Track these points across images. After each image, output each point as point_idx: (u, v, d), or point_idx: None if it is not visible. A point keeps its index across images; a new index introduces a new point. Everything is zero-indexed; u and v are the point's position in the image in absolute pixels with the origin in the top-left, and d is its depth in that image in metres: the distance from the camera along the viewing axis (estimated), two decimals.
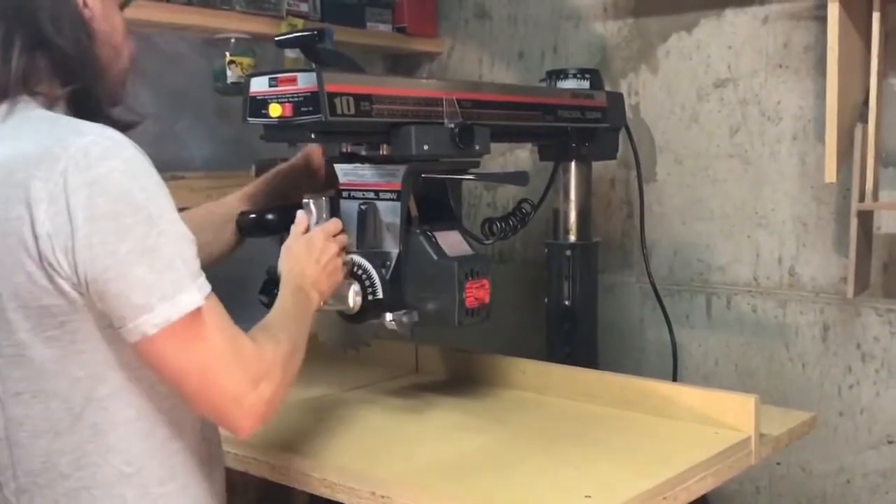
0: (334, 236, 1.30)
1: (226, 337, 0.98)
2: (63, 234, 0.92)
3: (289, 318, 1.14)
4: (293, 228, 1.31)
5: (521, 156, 2.34)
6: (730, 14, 2.00)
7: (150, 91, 2.03)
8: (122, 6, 1.14)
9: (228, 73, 2.00)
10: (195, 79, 2.08)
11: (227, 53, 2.00)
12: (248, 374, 0.98)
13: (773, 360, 1.99)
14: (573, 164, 1.81)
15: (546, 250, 1.86)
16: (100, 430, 0.99)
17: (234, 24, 1.98)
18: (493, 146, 2.38)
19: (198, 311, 0.95)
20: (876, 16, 1.65)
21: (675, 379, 1.93)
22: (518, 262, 2.39)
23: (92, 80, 1.05)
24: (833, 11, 1.64)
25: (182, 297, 0.94)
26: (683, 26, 2.07)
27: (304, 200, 1.41)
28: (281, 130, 1.32)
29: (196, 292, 0.95)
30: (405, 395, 1.61)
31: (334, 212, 1.38)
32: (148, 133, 2.00)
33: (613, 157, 1.86)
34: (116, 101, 1.11)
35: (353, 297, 1.33)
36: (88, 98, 1.04)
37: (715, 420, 1.38)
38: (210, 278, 1.00)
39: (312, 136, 1.30)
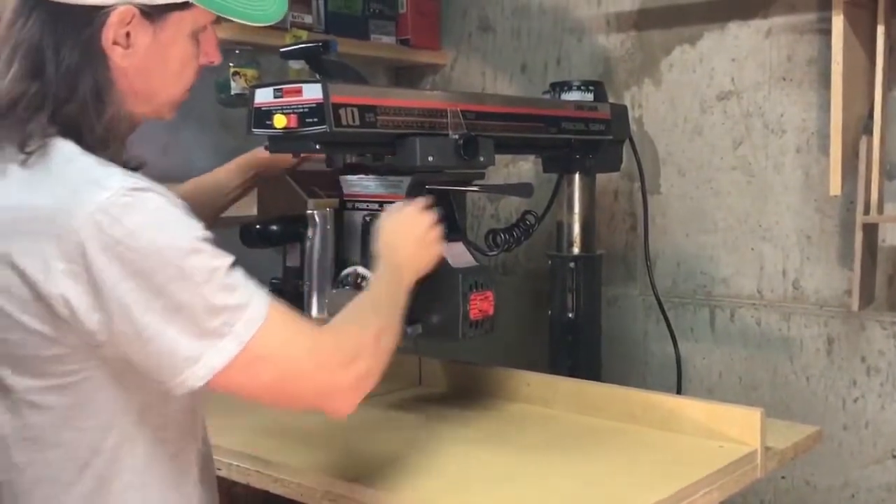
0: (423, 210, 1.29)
1: (296, 345, 0.96)
2: (86, 294, 0.88)
3: (381, 298, 1.13)
4: (389, 209, 1.28)
5: (525, 167, 2.34)
6: (733, 27, 2.00)
7: None
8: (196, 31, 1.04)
9: (232, 84, 2.00)
10: (199, 90, 2.05)
11: (231, 65, 2.00)
12: (330, 366, 0.98)
13: (777, 374, 1.99)
14: (577, 176, 1.81)
15: (549, 262, 1.86)
16: (105, 481, 0.96)
17: (238, 36, 1.97)
18: (497, 158, 2.40)
19: (252, 342, 0.92)
20: (880, 29, 1.65)
21: (679, 392, 1.92)
22: (521, 274, 2.38)
23: (88, 125, 0.96)
24: (837, 24, 1.65)
25: (226, 341, 0.90)
26: (686, 39, 2.07)
27: (309, 211, 1.41)
28: (286, 141, 1.32)
29: (243, 328, 0.91)
30: (407, 407, 1.60)
31: (338, 222, 1.38)
32: (152, 142, 2.04)
33: (617, 169, 1.86)
34: (160, 119, 1.07)
35: None
36: (79, 136, 0.96)
37: (720, 434, 1.37)
38: None
39: (317, 146, 1.29)
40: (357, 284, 1.37)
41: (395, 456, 1.35)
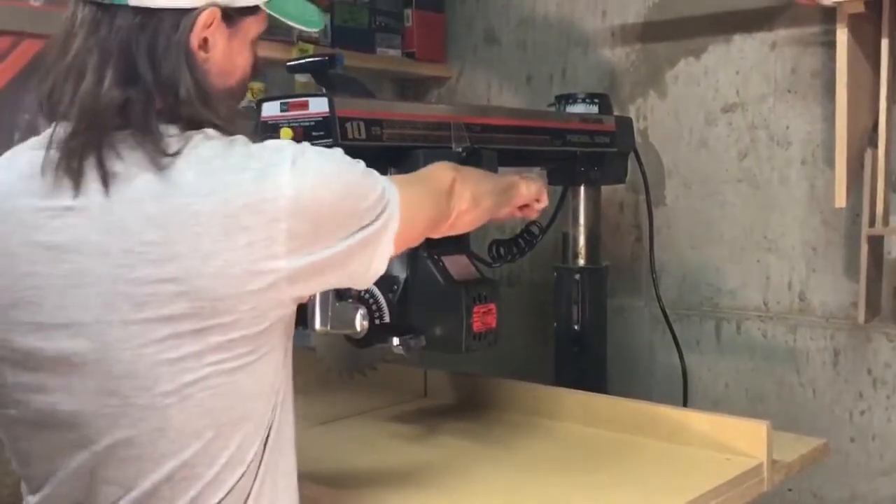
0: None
1: (427, 205, 1.11)
2: (299, 250, 0.91)
3: (502, 188, 1.31)
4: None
5: None
6: (738, 40, 2.01)
7: None
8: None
9: None
10: None
11: None
12: (449, 206, 1.15)
13: (783, 386, 1.98)
14: (582, 188, 1.82)
15: (555, 274, 1.86)
16: (245, 442, 0.96)
17: None
18: (504, 170, 2.40)
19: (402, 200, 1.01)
20: (884, 42, 1.66)
21: (685, 404, 1.92)
22: (526, 286, 2.38)
23: (205, 111, 0.95)
24: (842, 37, 1.65)
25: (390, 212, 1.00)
26: (692, 51, 2.07)
27: None
28: None
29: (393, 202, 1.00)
30: (413, 420, 1.60)
31: None
32: None
33: (622, 181, 1.87)
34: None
35: (360, 321, 1.32)
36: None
37: (727, 446, 1.37)
38: None
39: None
40: (360, 297, 1.37)
41: (396, 468, 1.36)
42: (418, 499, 1.23)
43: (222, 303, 0.89)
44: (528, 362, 2.11)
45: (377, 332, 1.36)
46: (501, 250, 1.68)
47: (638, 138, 2.13)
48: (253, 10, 1.01)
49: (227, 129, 0.95)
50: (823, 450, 1.48)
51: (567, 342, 1.83)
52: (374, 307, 1.36)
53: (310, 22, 1.12)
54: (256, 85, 2.03)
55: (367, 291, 1.37)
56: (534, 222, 1.62)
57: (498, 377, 1.69)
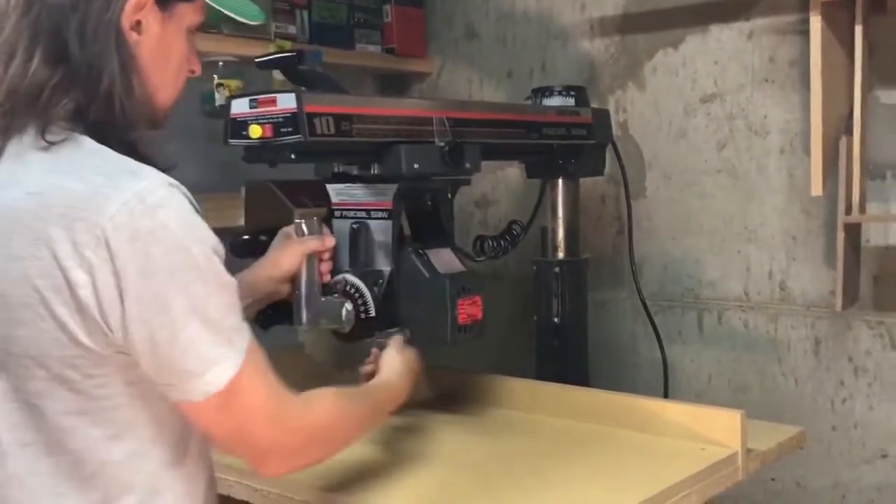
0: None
1: (268, 392, 0.95)
2: (109, 285, 0.87)
3: (368, 399, 1.18)
4: (393, 342, 1.35)
5: (512, 174, 2.35)
6: (715, 30, 2.01)
7: None
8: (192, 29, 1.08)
9: (217, 96, 2.01)
10: (183, 102, 2.03)
11: (216, 76, 2.01)
12: (286, 427, 0.97)
13: (765, 376, 1.99)
14: (560, 181, 1.81)
15: (534, 268, 1.86)
16: (109, 496, 0.94)
17: (222, 48, 1.98)
18: (483, 163, 2.40)
19: (239, 374, 0.91)
20: (858, 28, 1.66)
21: (666, 395, 1.91)
22: (512, 280, 2.38)
23: (119, 107, 0.96)
24: (815, 25, 1.65)
25: (228, 363, 0.90)
26: (669, 42, 2.07)
27: (297, 221, 1.41)
28: (262, 151, 1.32)
29: (237, 354, 0.92)
30: (394, 415, 1.60)
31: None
32: None
33: (601, 173, 1.86)
34: (152, 127, 1.06)
35: (346, 316, 1.34)
36: (110, 125, 0.95)
37: (702, 436, 1.37)
38: None
39: (293, 156, 1.30)
40: (346, 292, 1.37)
41: (376, 465, 1.35)
42: (393, 494, 1.22)
43: None
44: (513, 356, 2.11)
45: (363, 327, 1.36)
46: (486, 246, 1.68)
47: (618, 131, 2.13)
48: None
49: (127, 137, 0.96)
50: (800, 438, 1.48)
51: (547, 336, 1.83)
52: (359, 301, 1.37)
53: (249, 14, 1.14)
54: (234, 83, 2.03)
55: (352, 286, 1.37)
56: (515, 221, 1.63)
57: (475, 371, 1.69)
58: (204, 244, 0.91)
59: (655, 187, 2.12)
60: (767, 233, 1.97)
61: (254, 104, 1.30)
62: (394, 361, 1.30)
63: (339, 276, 1.39)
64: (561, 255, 1.83)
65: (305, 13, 2.16)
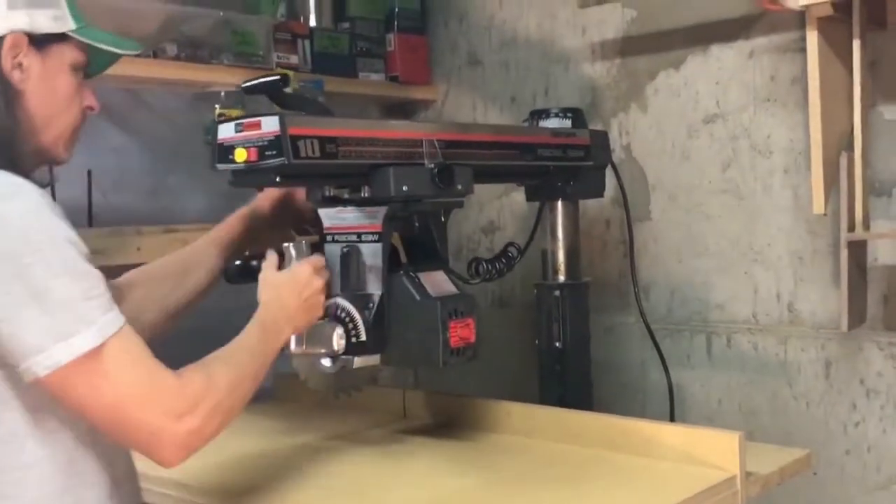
0: (318, 272, 1.30)
1: (138, 372, 0.98)
2: None
3: (243, 351, 1.15)
4: (265, 263, 1.31)
5: (517, 199, 2.33)
6: (715, 50, 1.99)
7: (142, 147, 2.06)
8: (83, 73, 1.18)
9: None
10: (186, 133, 2.10)
11: (217, 106, 2.02)
12: (165, 407, 0.99)
13: (776, 399, 1.94)
14: (559, 203, 1.80)
15: (535, 291, 1.84)
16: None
17: (223, 78, 2.00)
18: (489, 189, 2.39)
19: (98, 351, 0.95)
20: (856, 43, 1.63)
21: (672, 420, 1.87)
22: (517, 306, 2.36)
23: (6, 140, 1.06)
24: (812, 40, 1.63)
25: (77, 339, 0.94)
26: (671, 64, 2.06)
27: (285, 245, 1.40)
28: (247, 175, 1.32)
29: (95, 333, 0.95)
30: (390, 441, 1.58)
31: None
32: (141, 187, 2.06)
33: (600, 195, 1.84)
34: (43, 162, 1.14)
35: (337, 341, 1.33)
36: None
37: (700, 459, 1.34)
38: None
39: (278, 179, 1.30)
40: (337, 317, 1.36)
41: (367, 488, 1.33)
42: None
43: None
44: (519, 382, 2.08)
45: (354, 351, 1.34)
46: (480, 268, 1.66)
47: (621, 153, 2.12)
48: (61, 37, 1.12)
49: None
50: (806, 461, 1.44)
51: (549, 360, 1.80)
52: (350, 325, 1.35)
53: (124, 45, 1.20)
54: (235, 112, 2.03)
55: (342, 310, 1.36)
56: (511, 243, 1.61)
57: (474, 396, 1.66)
58: (48, 233, 0.96)
59: (660, 209, 2.10)
60: (774, 253, 1.94)
61: (239, 128, 1.30)
62: (265, 291, 1.26)
63: (330, 301, 1.37)
64: (562, 278, 1.81)
65: (307, 43, 2.17)
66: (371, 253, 1.38)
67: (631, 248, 1.89)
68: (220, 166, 1.33)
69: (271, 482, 1.35)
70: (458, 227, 2.42)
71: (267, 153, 1.27)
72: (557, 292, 1.79)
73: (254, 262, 1.45)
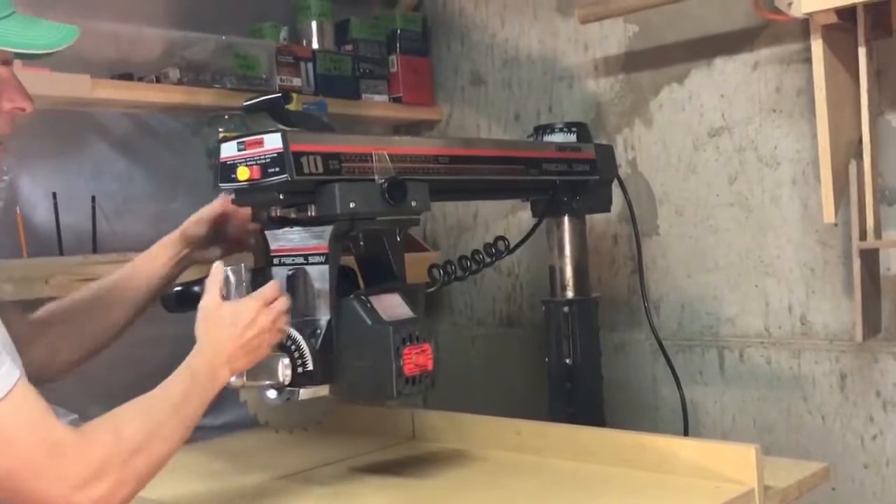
0: (270, 304, 1.19)
1: (35, 435, 0.88)
2: None
3: (164, 402, 1.04)
4: (208, 282, 1.20)
5: (524, 217, 2.31)
6: (719, 62, 1.98)
7: (145, 172, 2.05)
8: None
9: None
10: (190, 157, 2.10)
11: (220, 130, 2.02)
12: (66, 474, 0.89)
13: (791, 414, 1.91)
14: (566, 218, 1.78)
15: (543, 308, 1.82)
16: None
17: (226, 102, 2.00)
18: (495, 208, 2.37)
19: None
20: (862, 51, 1.62)
21: (686, 436, 1.84)
22: (526, 326, 2.34)
23: None
24: (817, 49, 1.62)
25: None
26: (675, 78, 2.05)
27: (216, 267, 1.24)
28: (251, 193, 1.31)
29: None
30: (394, 464, 1.55)
31: (256, 283, 1.24)
32: (145, 212, 2.05)
33: (607, 209, 1.83)
34: None
35: (283, 371, 1.22)
36: None
37: (716, 473, 1.31)
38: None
39: (281, 196, 1.28)
40: (282, 345, 1.24)
41: None
42: None
43: None
44: (529, 403, 2.05)
45: (301, 381, 1.24)
46: (435, 273, 1.53)
47: (627, 168, 2.10)
48: None
49: None
50: (823, 474, 1.41)
51: (559, 378, 1.78)
52: (296, 354, 1.24)
53: (37, 44, 1.04)
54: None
55: (288, 337, 1.25)
56: (501, 238, 1.56)
57: (482, 415, 1.64)
58: None
59: (668, 224, 2.08)
60: (785, 265, 1.91)
61: (241, 147, 1.30)
62: (202, 325, 1.15)
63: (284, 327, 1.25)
64: (570, 294, 1.79)
65: (310, 65, 2.17)
66: (318, 276, 1.28)
67: (640, 264, 1.87)
68: (223, 185, 1.32)
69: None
70: (464, 246, 2.40)
71: (270, 170, 1.26)
72: (566, 308, 1.77)
73: (196, 288, 1.33)
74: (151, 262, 1.40)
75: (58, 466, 0.88)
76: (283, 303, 1.21)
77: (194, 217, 1.43)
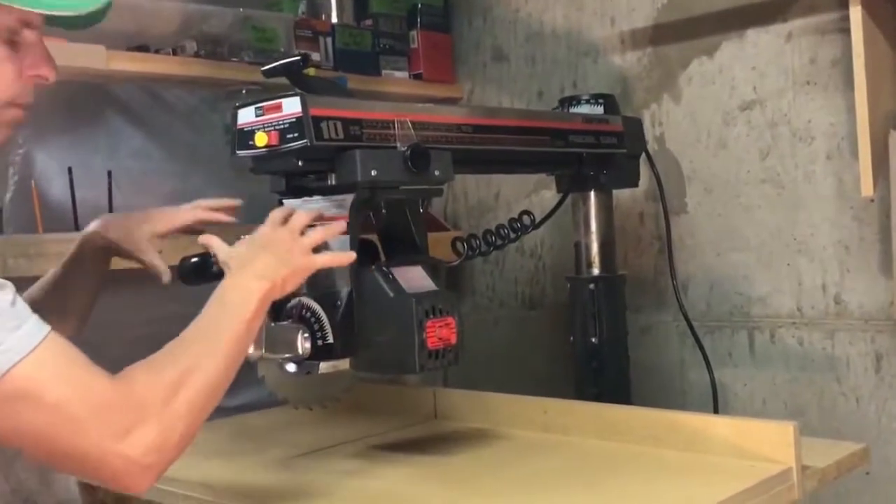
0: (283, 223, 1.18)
1: (70, 387, 0.83)
2: None
3: (195, 335, 0.99)
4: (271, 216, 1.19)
5: (547, 196, 2.26)
6: (752, 34, 1.92)
7: (161, 147, 2.02)
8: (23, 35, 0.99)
9: None
10: (207, 133, 2.06)
11: (238, 104, 1.97)
12: (107, 425, 0.83)
13: (824, 396, 1.85)
14: (592, 193, 1.73)
15: (569, 286, 1.77)
16: None
17: (244, 75, 1.96)
18: (518, 186, 2.32)
19: (20, 368, 0.81)
20: None
21: None
22: (549, 307, 2.29)
23: None
24: (856, 17, 1.56)
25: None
26: (704, 51, 1.99)
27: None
28: (269, 160, 1.27)
29: (10, 350, 0.81)
30: (421, 442, 1.51)
31: None
32: (162, 189, 2.02)
33: (635, 184, 1.78)
34: None
35: (302, 343, 1.19)
36: None
37: (751, 452, 1.25)
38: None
39: (300, 163, 1.24)
40: (301, 317, 1.23)
41: (397, 485, 1.27)
42: None
43: None
44: (553, 384, 2.00)
45: (321, 354, 1.20)
46: (459, 246, 1.51)
47: (654, 145, 2.05)
48: None
49: None
50: (863, 455, 1.35)
51: (585, 357, 1.73)
52: (316, 326, 1.22)
53: (64, 4, 0.96)
54: None
55: (308, 309, 1.22)
56: (527, 212, 1.51)
57: (507, 394, 1.59)
58: None
59: (697, 202, 2.02)
60: (818, 243, 1.85)
61: (259, 112, 1.26)
62: (232, 259, 1.10)
63: (295, 300, 1.24)
64: (596, 271, 1.74)
65: (329, 40, 2.13)
66: (339, 246, 1.23)
67: (668, 242, 1.82)
68: (241, 153, 1.28)
69: (293, 496, 1.29)
70: (486, 226, 2.34)
71: (288, 136, 1.22)
72: (592, 286, 1.73)
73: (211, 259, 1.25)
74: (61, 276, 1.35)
75: (95, 417, 0.83)
76: (301, 217, 1.19)
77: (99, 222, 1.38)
